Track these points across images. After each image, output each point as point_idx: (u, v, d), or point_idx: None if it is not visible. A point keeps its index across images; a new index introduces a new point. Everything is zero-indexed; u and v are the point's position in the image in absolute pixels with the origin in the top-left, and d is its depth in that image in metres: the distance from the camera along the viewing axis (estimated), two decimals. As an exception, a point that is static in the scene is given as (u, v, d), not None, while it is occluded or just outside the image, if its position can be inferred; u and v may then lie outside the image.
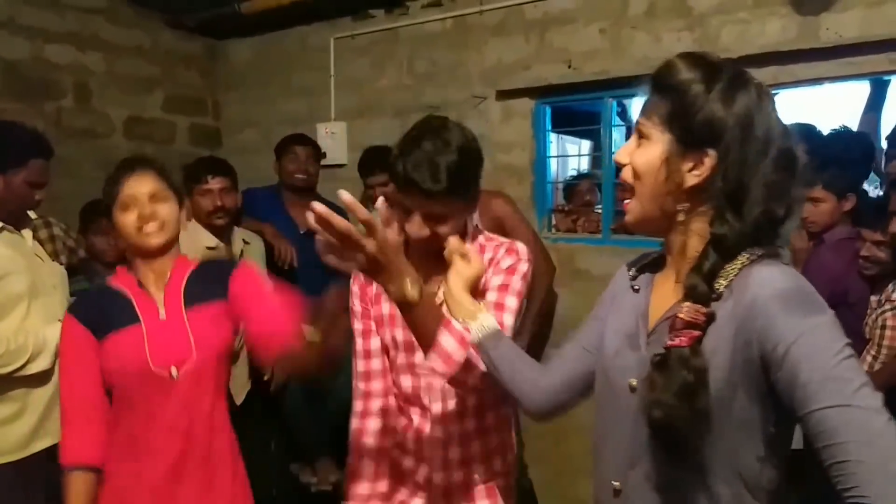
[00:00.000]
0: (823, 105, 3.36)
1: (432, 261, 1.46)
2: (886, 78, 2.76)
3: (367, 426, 1.61)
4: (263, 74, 4.15)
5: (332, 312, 1.70)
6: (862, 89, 3.13)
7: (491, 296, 1.46)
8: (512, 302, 1.45)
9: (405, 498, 1.63)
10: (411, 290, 1.18)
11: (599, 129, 3.18)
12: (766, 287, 0.93)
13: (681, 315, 0.97)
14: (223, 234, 2.78)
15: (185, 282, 1.68)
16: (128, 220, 1.61)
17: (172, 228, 1.66)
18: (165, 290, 1.66)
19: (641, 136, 1.05)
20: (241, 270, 1.73)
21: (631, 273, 1.19)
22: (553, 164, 3.55)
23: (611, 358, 1.13)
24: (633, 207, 1.06)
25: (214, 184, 2.71)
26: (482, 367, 1.30)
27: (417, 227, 1.44)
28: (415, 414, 1.59)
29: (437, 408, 1.56)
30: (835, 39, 2.50)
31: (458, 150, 1.40)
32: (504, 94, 3.28)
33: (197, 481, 1.63)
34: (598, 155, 3.33)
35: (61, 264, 2.50)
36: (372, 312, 1.63)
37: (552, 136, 3.48)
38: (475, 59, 3.37)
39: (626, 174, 1.06)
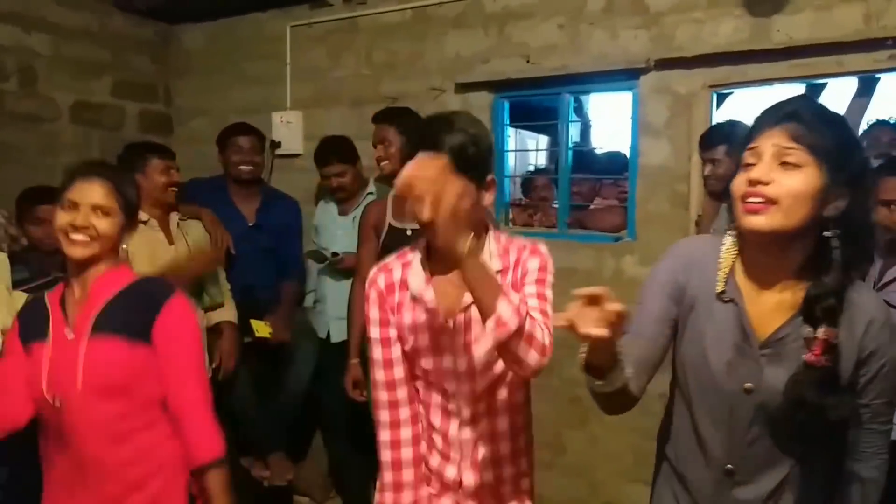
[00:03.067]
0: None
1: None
2: (822, 82, 2.84)
3: (400, 437, 1.58)
4: (217, 61, 4.06)
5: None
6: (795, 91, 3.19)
7: (532, 302, 1.45)
8: (549, 305, 1.49)
9: (434, 496, 1.61)
10: (463, 244, 1.26)
11: (556, 124, 3.21)
12: (879, 314, 1.24)
13: (822, 336, 1.17)
14: (162, 219, 2.81)
15: (104, 303, 1.60)
16: (62, 221, 1.57)
17: (103, 244, 1.59)
18: (80, 310, 1.60)
19: (786, 161, 1.17)
20: (168, 315, 1.61)
21: (719, 287, 1.29)
22: (511, 159, 3.56)
23: (720, 366, 1.27)
24: (775, 217, 1.17)
25: (171, 161, 2.82)
26: (542, 343, 1.34)
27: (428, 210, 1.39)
28: (444, 416, 1.57)
29: (466, 412, 1.54)
30: (785, 41, 2.56)
31: (463, 131, 1.43)
32: (463, 87, 3.27)
33: None
34: (556, 150, 3.35)
35: (2, 251, 2.42)
36: (394, 321, 1.57)
37: (510, 131, 3.49)
38: (434, 51, 3.35)
39: (770, 191, 1.17)
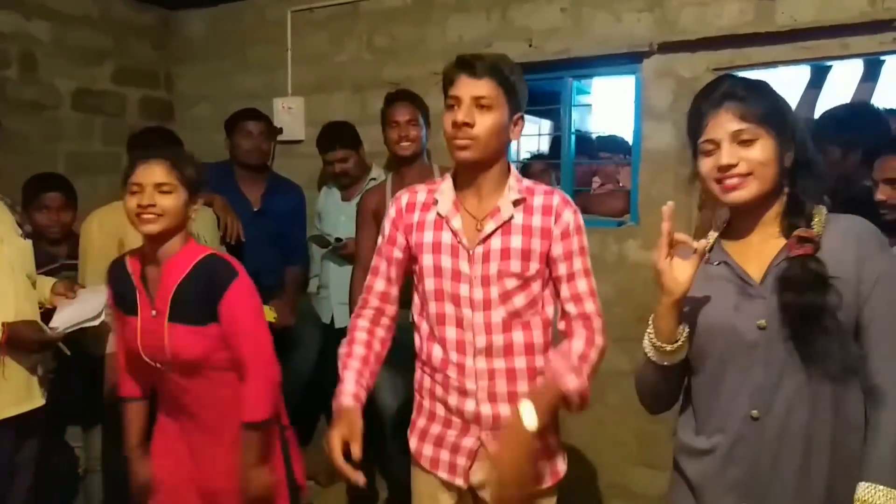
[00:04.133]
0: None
1: (484, 185, 1.62)
2: (827, 64, 2.82)
3: (357, 323, 1.74)
4: (218, 47, 4.04)
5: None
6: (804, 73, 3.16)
7: (577, 263, 1.62)
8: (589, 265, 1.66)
9: (455, 440, 1.66)
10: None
11: (559, 109, 3.19)
12: (864, 229, 1.31)
13: (798, 233, 1.28)
14: None
15: (176, 287, 1.84)
16: (130, 205, 1.80)
17: (170, 219, 1.82)
18: (158, 291, 1.86)
19: (742, 139, 1.30)
20: (230, 299, 1.84)
21: (707, 257, 1.39)
22: (513, 143, 3.55)
23: (731, 312, 1.33)
24: (753, 187, 1.31)
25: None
26: (601, 344, 1.61)
27: (463, 114, 1.54)
28: (459, 350, 1.63)
29: (481, 341, 1.60)
30: (789, 23, 2.54)
31: (508, 62, 1.60)
32: (465, 72, 3.25)
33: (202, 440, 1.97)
34: (559, 135, 3.34)
35: (26, 239, 2.45)
36: (412, 240, 1.68)
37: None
38: (436, 35, 3.34)
39: (742, 168, 1.30)
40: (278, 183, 3.37)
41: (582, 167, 3.39)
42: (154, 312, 1.86)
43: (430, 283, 1.64)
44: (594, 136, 3.61)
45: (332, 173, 3.23)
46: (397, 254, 1.70)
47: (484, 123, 1.55)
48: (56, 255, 2.73)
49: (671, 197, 2.81)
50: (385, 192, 2.85)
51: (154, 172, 1.80)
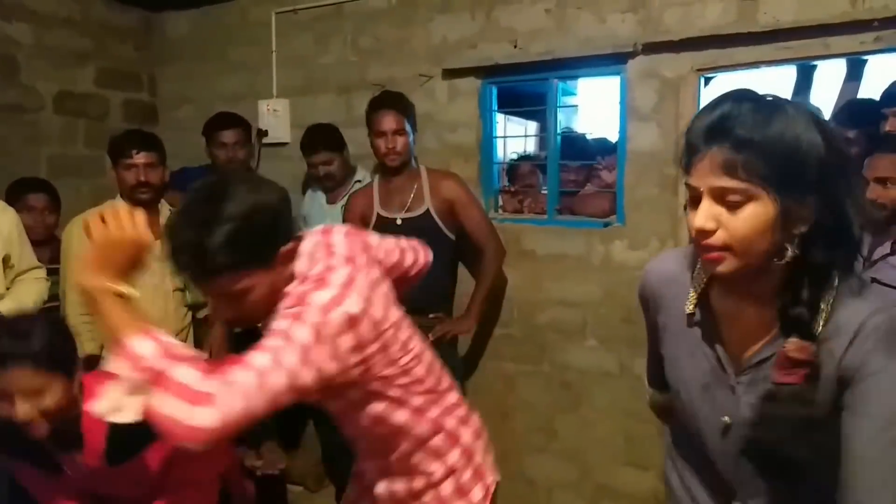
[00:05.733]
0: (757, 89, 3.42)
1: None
2: (812, 63, 2.84)
3: None
4: (202, 49, 4.01)
5: None
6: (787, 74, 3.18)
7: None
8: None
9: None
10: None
11: (545, 110, 3.20)
12: (871, 318, 0.99)
13: (790, 354, 0.99)
14: (149, 208, 2.71)
15: None
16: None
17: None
18: None
19: (728, 200, 0.97)
20: None
21: (689, 308, 1.15)
22: (499, 145, 3.55)
23: (699, 393, 1.14)
24: (732, 263, 0.99)
25: (139, 158, 2.59)
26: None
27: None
28: None
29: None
30: (772, 23, 2.56)
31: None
32: (450, 73, 3.25)
33: None
34: (544, 136, 3.34)
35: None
36: None
37: (498, 116, 3.47)
38: (421, 36, 3.33)
39: (718, 240, 0.98)
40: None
41: (576, 171, 3.32)
42: None
43: None
44: (589, 137, 3.60)
45: (317, 176, 3.21)
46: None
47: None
48: (39, 260, 2.70)
49: (656, 196, 2.85)
50: (372, 195, 2.84)
51: (19, 381, 1.53)
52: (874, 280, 2.19)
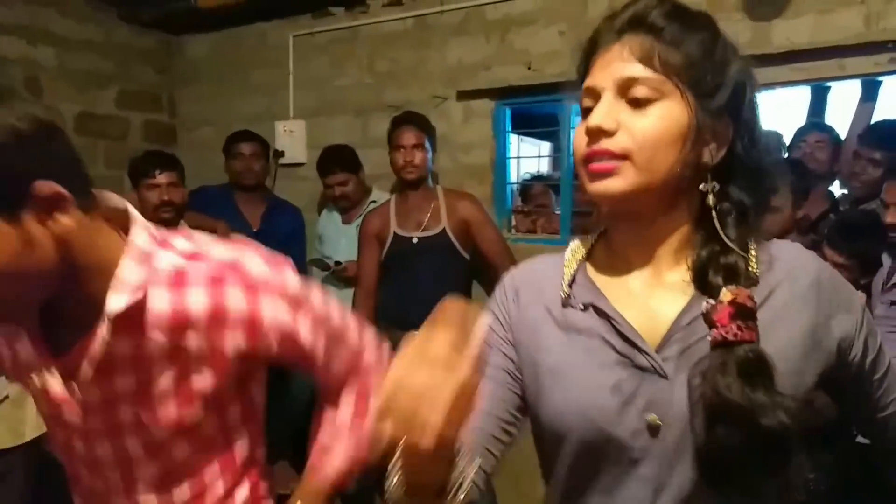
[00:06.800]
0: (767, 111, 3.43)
1: None
2: (827, 84, 2.84)
3: None
4: (221, 71, 4.08)
5: None
6: (802, 95, 3.19)
7: None
8: None
9: None
10: None
11: (558, 131, 3.21)
12: (822, 264, 0.86)
13: (726, 300, 0.78)
14: (170, 228, 2.73)
15: None
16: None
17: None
18: None
19: (634, 96, 0.80)
20: None
21: (564, 293, 0.90)
22: (513, 165, 3.56)
23: (605, 393, 0.83)
24: (628, 176, 0.80)
25: (162, 178, 2.66)
26: None
27: None
28: None
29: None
30: (786, 45, 2.56)
31: None
32: (465, 95, 3.28)
33: None
34: (558, 156, 3.35)
35: None
36: None
37: (512, 137, 3.50)
38: (436, 59, 3.36)
39: (617, 144, 0.80)
40: (277, 204, 3.41)
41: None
42: None
43: None
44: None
45: (332, 196, 3.24)
46: None
47: None
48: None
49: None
50: (388, 215, 2.86)
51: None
52: (893, 303, 2.16)
